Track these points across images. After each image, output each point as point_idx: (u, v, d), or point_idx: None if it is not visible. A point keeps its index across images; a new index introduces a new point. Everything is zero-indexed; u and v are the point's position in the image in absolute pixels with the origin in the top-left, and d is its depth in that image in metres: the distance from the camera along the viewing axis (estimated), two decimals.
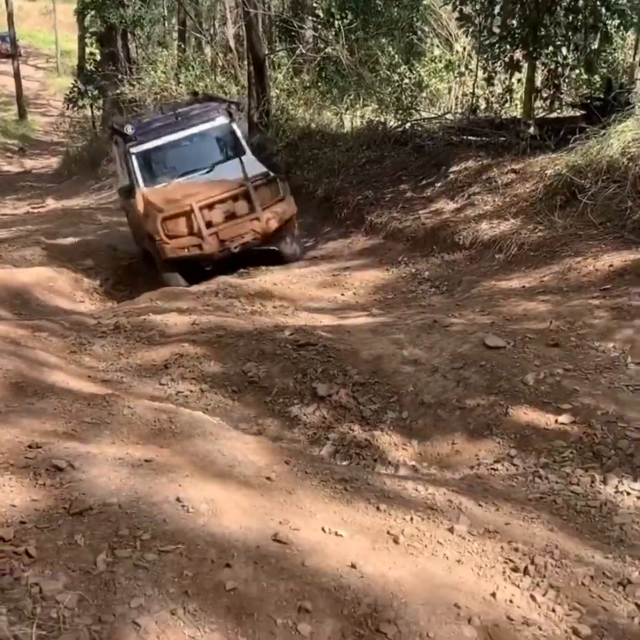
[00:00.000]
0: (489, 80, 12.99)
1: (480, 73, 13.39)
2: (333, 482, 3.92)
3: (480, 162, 11.65)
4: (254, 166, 10.99)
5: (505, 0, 11.82)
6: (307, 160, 14.70)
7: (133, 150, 11.29)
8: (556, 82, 12.05)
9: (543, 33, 11.29)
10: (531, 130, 11.28)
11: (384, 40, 16.55)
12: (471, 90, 13.94)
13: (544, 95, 12.35)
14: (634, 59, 11.38)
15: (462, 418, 5.26)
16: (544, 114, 12.53)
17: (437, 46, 16.48)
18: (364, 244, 11.89)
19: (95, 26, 28.31)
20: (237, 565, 2.98)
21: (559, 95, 12.30)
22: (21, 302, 9.72)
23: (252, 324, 7.42)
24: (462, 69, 14.73)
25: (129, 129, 11.18)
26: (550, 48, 11.47)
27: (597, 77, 12.43)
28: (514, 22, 11.80)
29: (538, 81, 12.37)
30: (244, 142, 11.79)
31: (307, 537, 3.27)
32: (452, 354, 5.98)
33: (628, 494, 4.15)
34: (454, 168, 11.95)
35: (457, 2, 12.21)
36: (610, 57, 13.31)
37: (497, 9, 12.34)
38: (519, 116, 12.71)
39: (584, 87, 13.02)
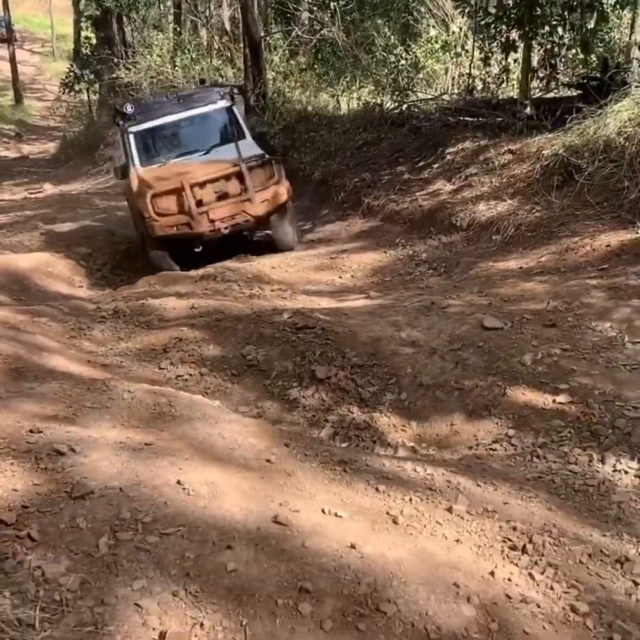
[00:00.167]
0: (486, 61, 12.99)
1: (476, 53, 13.37)
2: (332, 463, 3.94)
3: (477, 143, 11.63)
4: (251, 149, 10.87)
5: None
6: (304, 143, 14.63)
7: (131, 129, 11.19)
8: (552, 62, 12.03)
9: (539, 13, 11.25)
10: (528, 110, 11.27)
11: (379, 21, 16.48)
12: (468, 71, 13.89)
13: (541, 75, 12.33)
14: (630, 38, 11.29)
15: (461, 399, 5.28)
16: (540, 94, 12.51)
17: (433, 27, 16.39)
18: (361, 226, 11.87)
19: (91, 10, 28.02)
20: (237, 547, 3.00)
21: (555, 75, 12.27)
22: (20, 287, 9.71)
23: (250, 307, 7.43)
24: (459, 49, 14.71)
25: (128, 108, 11.10)
26: (547, 28, 11.42)
27: (593, 57, 12.34)
28: (510, 1, 11.74)
29: (534, 61, 12.33)
30: (244, 126, 11.65)
31: (307, 519, 3.29)
32: (450, 336, 6.01)
33: (626, 472, 4.19)
34: (451, 149, 11.93)
35: None
36: (606, 37, 13.23)
37: None
38: (515, 96, 12.69)
39: (581, 66, 12.94)
